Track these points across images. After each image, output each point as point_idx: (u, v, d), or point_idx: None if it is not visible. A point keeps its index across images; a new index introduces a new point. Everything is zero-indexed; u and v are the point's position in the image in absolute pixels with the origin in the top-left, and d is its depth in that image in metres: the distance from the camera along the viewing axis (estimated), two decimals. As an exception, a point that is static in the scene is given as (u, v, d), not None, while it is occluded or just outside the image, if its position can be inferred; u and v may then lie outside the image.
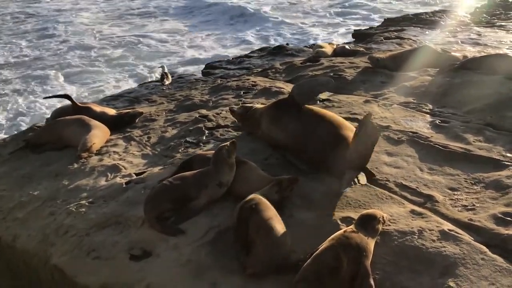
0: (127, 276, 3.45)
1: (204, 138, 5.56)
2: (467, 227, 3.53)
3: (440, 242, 3.32)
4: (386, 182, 4.24)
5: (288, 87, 7.25)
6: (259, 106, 5.57)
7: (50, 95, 12.52)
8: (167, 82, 9.46)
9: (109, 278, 3.49)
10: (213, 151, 4.24)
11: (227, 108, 6.51)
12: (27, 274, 4.22)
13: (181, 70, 16.79)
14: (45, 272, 3.96)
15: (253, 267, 3.17)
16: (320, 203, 3.95)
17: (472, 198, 3.92)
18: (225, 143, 4.16)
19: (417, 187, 4.12)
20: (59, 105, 8.38)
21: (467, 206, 3.82)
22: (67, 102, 6.76)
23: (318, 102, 6.21)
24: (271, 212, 3.44)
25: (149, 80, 14.33)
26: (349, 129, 4.51)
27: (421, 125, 5.42)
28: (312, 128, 4.58)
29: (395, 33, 12.02)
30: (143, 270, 3.46)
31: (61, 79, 17.50)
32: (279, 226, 3.33)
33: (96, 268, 3.62)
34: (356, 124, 5.27)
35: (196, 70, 14.90)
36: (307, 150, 4.54)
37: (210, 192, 3.98)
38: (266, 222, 3.32)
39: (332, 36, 21.54)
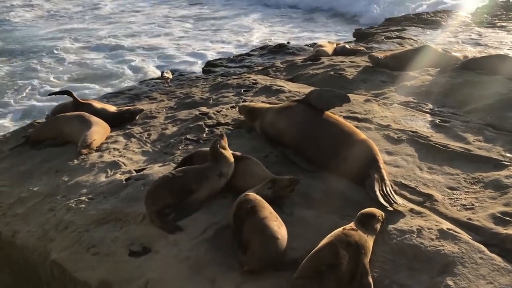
0: (127, 272, 3.46)
1: (204, 135, 5.57)
2: (466, 226, 3.54)
3: (439, 241, 3.33)
4: (386, 181, 4.23)
5: (288, 86, 7.25)
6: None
7: (54, 91, 12.54)
8: (166, 75, 9.46)
9: (108, 274, 3.49)
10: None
11: (228, 106, 6.52)
12: (26, 269, 4.23)
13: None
14: (45, 267, 3.96)
15: (250, 264, 3.19)
16: (320, 201, 3.96)
17: (471, 198, 3.93)
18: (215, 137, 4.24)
19: (416, 186, 4.13)
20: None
21: (466, 205, 3.83)
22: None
23: None
24: (266, 211, 3.45)
25: (149, 78, 14.32)
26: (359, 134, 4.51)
27: (421, 124, 5.43)
28: (324, 125, 4.57)
29: (396, 32, 12.01)
30: (142, 266, 3.46)
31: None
32: (274, 224, 3.33)
33: (96, 263, 3.62)
34: (356, 123, 5.29)
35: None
36: (315, 146, 4.49)
37: (212, 183, 4.00)
38: (261, 221, 3.33)
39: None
